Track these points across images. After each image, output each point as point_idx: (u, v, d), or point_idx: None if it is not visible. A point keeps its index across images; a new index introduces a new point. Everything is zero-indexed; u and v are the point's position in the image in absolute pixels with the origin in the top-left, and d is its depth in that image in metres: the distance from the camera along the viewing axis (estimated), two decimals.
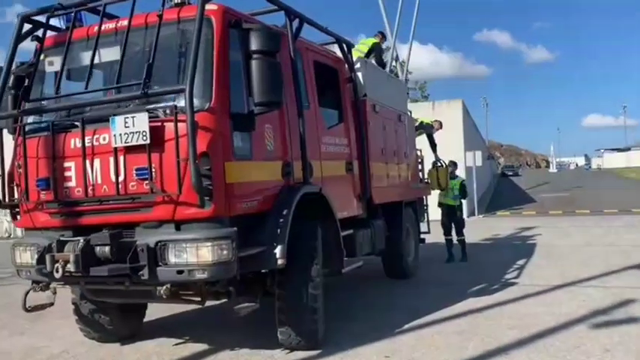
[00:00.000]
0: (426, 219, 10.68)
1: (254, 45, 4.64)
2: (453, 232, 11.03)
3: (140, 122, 4.34)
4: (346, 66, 7.05)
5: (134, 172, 4.46)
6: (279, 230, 4.88)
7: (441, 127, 11.66)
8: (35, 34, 5.21)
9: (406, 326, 6.17)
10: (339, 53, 7.06)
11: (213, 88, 4.49)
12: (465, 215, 21.37)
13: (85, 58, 4.93)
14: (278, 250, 4.80)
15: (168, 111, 4.36)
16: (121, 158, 4.51)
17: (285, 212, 4.98)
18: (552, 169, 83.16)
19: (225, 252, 4.34)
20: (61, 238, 4.60)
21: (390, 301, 7.52)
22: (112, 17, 5.23)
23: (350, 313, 6.91)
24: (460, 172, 21.92)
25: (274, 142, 5.21)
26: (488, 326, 6.05)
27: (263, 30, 4.69)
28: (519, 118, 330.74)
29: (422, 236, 10.26)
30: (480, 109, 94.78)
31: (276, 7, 5.67)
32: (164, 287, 4.41)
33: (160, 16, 4.60)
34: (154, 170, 4.42)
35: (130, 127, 4.38)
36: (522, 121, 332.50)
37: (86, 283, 4.80)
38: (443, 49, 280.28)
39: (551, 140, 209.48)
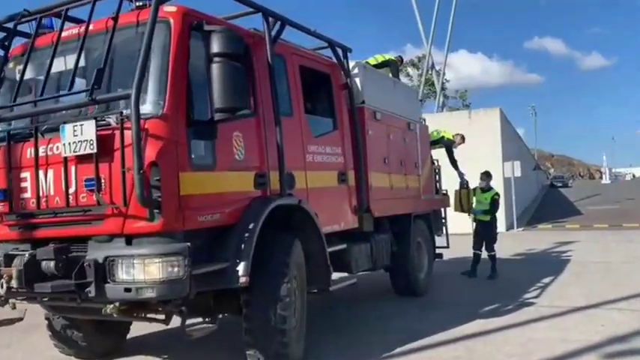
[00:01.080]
0: (444, 232, 10.15)
1: (214, 48, 4.34)
2: (484, 248, 10.42)
3: (88, 130, 4.11)
4: (341, 71, 6.68)
5: (84, 183, 4.22)
6: (243, 245, 4.54)
7: (463, 142, 11.09)
8: (1, 41, 5.09)
9: (398, 350, 5.70)
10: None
11: (167, 94, 4.21)
12: (502, 229, 20.85)
13: (47, 65, 4.75)
14: (241, 268, 4.46)
15: (116, 118, 4.10)
16: (72, 168, 4.29)
17: (251, 226, 4.64)
18: (605, 180, 79.71)
19: (175, 269, 4.03)
20: (10, 252, 4.40)
21: (389, 321, 7.02)
22: (81, 22, 5.04)
23: (342, 333, 6.48)
24: (498, 184, 21.34)
25: (245, 151, 4.89)
26: (486, 352, 5.52)
27: (224, 32, 4.39)
28: (572, 128, 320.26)
29: (439, 251, 9.75)
30: (529, 118, 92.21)
31: (253, 10, 5.39)
32: (111, 306, 4.13)
33: (115, 19, 4.38)
34: (103, 181, 4.17)
35: (79, 135, 4.15)
36: (575, 130, 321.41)
37: (31, 299, 4.59)
38: (493, 57, 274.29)
39: (605, 150, 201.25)
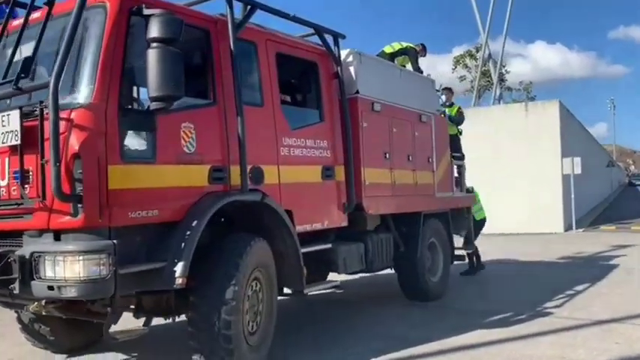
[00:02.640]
0: (467, 234, 9.50)
1: (150, 32, 4.06)
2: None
3: (13, 121, 3.96)
4: (331, 60, 6.26)
5: (13, 175, 4.08)
6: (183, 245, 4.25)
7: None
8: None
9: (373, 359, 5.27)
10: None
11: (96, 82, 3.99)
12: (559, 229, 19.59)
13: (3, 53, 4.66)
14: (178, 268, 4.17)
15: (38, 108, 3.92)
16: (6, 160, 4.16)
17: (194, 224, 4.34)
18: None
19: (98, 267, 3.81)
20: None
21: (379, 328, 6.54)
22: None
23: (324, 339, 6.09)
24: (556, 182, 20.06)
25: (197, 144, 4.60)
26: None
27: (161, 16, 4.10)
28: None
29: (461, 252, 9.16)
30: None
31: None
32: (35, 304, 3.97)
33: (50, 4, 4.19)
34: (30, 174, 4.01)
35: (6, 126, 4.01)
36: None
37: None
38: (573, 48, 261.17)
39: None
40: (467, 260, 9.87)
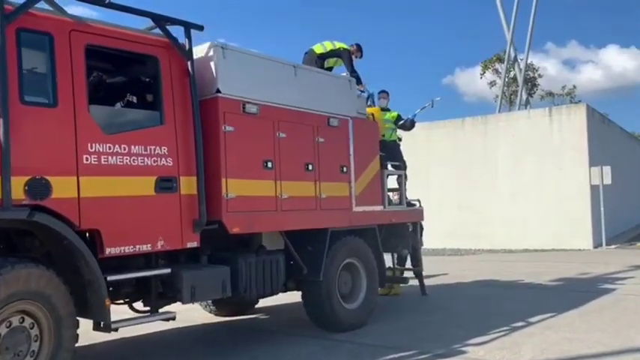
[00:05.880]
0: (413, 252, 8.36)
1: None
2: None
3: None
4: (180, 54, 5.41)
5: None
6: None
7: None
8: None
9: None
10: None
11: None
12: (588, 246, 17.70)
13: None
14: None
15: None
16: None
17: None
18: None
19: None
20: None
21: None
22: None
23: None
24: (584, 192, 18.18)
25: None
26: None
27: None
28: None
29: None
30: None
31: None
32: None
33: None
34: None
35: None
36: None
37: None
38: None
39: None
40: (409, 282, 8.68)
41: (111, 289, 4.94)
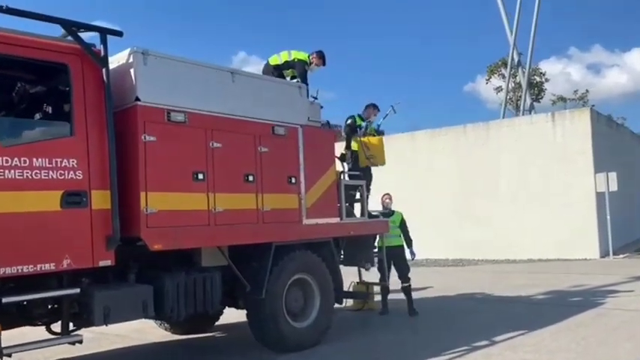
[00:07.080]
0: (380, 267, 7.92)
1: None
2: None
3: None
4: (93, 61, 5.11)
5: None
6: None
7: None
8: None
9: None
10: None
11: None
12: (595, 255, 16.96)
13: None
14: None
15: None
16: None
17: None
18: None
19: None
20: None
21: None
22: None
23: None
24: (589, 199, 17.44)
25: None
26: None
27: None
28: None
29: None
30: None
31: None
32: None
33: None
34: None
35: None
36: None
37: None
38: None
39: None
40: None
41: (15, 310, 4.66)
